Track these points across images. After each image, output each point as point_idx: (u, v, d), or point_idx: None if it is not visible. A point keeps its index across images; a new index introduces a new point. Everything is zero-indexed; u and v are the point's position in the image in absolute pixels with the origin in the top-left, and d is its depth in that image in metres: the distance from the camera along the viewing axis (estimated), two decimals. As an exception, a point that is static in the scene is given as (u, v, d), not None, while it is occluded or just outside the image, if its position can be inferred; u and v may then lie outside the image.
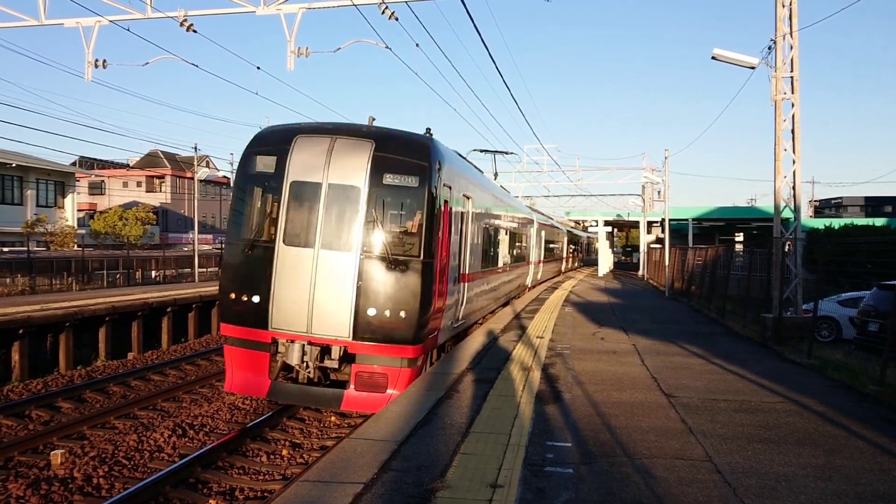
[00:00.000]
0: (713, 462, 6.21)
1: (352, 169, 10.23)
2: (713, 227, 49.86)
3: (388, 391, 10.01)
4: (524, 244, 26.13)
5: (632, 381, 9.90)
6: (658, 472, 5.85)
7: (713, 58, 16.32)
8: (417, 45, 14.75)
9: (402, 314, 10.00)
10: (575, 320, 18.23)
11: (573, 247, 59.99)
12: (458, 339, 14.35)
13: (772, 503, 5.29)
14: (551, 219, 44.05)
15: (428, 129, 12.09)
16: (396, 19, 14.51)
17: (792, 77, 15.25)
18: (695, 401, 8.73)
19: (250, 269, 10.42)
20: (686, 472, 5.91)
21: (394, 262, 10.05)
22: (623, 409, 8.12)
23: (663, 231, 37.75)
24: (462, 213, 12.84)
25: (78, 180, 51.84)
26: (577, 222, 66.12)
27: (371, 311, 9.96)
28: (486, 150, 24.95)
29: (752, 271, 19.03)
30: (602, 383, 9.67)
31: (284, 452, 9.85)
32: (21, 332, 15.35)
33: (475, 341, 13.44)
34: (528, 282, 28.77)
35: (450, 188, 11.47)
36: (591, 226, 68.05)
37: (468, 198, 13.38)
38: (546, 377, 9.98)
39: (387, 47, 14.62)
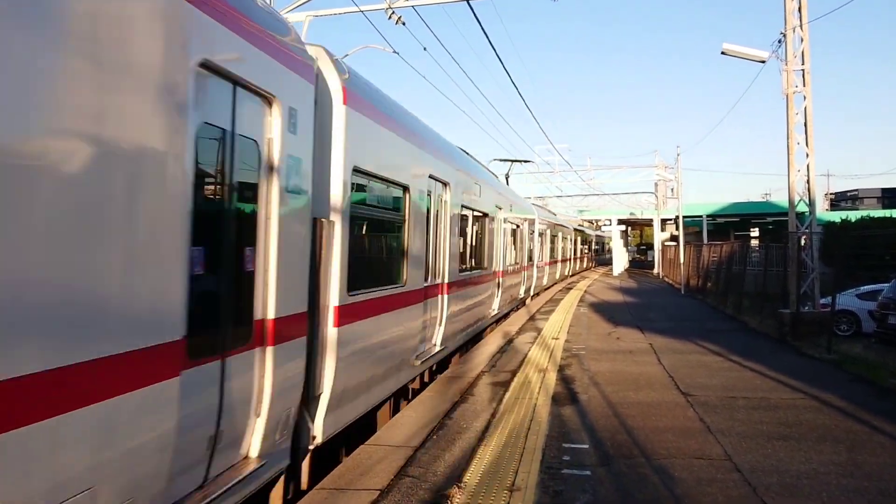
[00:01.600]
0: (733, 461, 6.15)
1: None
2: (728, 223, 49.48)
3: None
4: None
5: (648, 381, 9.83)
6: (677, 473, 5.80)
7: (723, 53, 16.23)
8: (425, 48, 14.69)
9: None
10: (590, 320, 18.15)
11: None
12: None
13: (793, 502, 5.23)
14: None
15: None
16: (403, 24, 14.48)
17: (803, 70, 15.10)
18: (713, 399, 8.65)
19: None
20: (705, 471, 5.86)
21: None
22: (640, 410, 8.06)
23: (677, 228, 37.57)
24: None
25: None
26: (590, 222, 65.86)
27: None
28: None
29: (768, 266, 18.86)
30: (618, 384, 9.61)
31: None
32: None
33: (491, 344, 13.42)
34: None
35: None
36: (604, 225, 67.82)
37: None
38: (562, 378, 9.94)
39: (394, 52, 14.62)
